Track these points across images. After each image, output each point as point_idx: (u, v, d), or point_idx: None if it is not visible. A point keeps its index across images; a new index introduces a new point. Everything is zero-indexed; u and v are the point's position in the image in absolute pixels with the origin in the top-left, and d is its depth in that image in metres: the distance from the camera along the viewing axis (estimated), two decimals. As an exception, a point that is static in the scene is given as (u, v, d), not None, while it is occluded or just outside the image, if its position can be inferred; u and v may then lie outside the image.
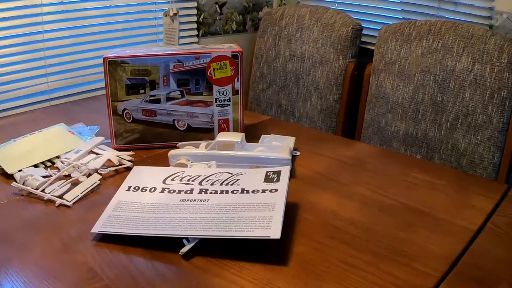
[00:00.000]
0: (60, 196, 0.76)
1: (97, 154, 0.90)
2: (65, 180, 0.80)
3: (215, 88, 0.95)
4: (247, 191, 0.71)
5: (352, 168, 0.90)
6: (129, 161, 0.90)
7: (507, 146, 1.21)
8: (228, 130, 0.99)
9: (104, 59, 0.91)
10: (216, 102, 0.96)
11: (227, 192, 0.71)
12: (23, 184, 0.79)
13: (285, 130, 1.09)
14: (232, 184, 0.73)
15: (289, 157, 0.84)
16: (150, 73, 0.93)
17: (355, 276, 0.58)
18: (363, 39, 1.60)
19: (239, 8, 1.87)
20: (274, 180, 0.72)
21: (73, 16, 1.40)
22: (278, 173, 0.73)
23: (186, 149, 0.88)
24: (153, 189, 0.74)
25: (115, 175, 0.86)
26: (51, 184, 0.79)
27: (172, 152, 0.87)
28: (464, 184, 0.84)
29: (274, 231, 0.60)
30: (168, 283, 0.57)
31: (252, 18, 1.94)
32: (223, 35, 1.84)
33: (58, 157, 0.89)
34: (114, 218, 0.67)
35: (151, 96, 0.94)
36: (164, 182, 0.76)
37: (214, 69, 0.94)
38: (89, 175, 0.83)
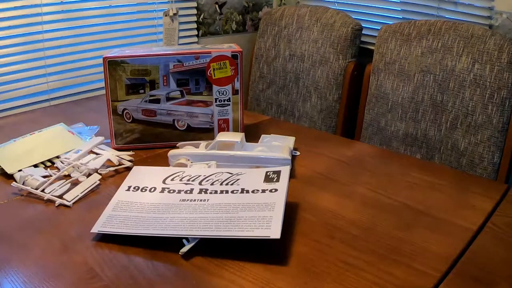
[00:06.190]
0: (60, 196, 0.76)
1: (97, 154, 0.90)
2: (65, 180, 0.80)
3: (215, 88, 0.95)
4: (247, 191, 0.71)
5: (352, 168, 0.90)
6: (129, 161, 0.90)
7: (507, 146, 1.21)
8: (228, 130, 0.99)
9: (104, 59, 0.91)
10: (216, 102, 0.96)
11: (227, 192, 0.71)
12: (23, 184, 0.79)
13: (285, 130, 1.08)
14: (232, 184, 0.73)
15: (289, 157, 0.84)
16: (150, 73, 0.93)
17: (355, 276, 0.58)
18: (363, 39, 1.60)
19: (239, 8, 1.87)
20: (274, 180, 0.72)
21: (73, 16, 1.40)
22: (278, 173, 0.73)
23: (186, 149, 0.88)
24: (153, 189, 0.74)
25: (115, 175, 0.86)
26: (51, 184, 0.79)
27: (172, 152, 0.87)
28: (464, 184, 0.84)
29: (274, 231, 0.60)
30: (168, 283, 0.57)
31: (252, 18, 1.94)
32: (223, 35, 1.84)
33: (58, 157, 0.89)
34: (113, 218, 0.67)
35: (151, 96, 0.94)
36: (164, 182, 0.76)
37: (214, 69, 0.94)
38: (89, 175, 0.83)
